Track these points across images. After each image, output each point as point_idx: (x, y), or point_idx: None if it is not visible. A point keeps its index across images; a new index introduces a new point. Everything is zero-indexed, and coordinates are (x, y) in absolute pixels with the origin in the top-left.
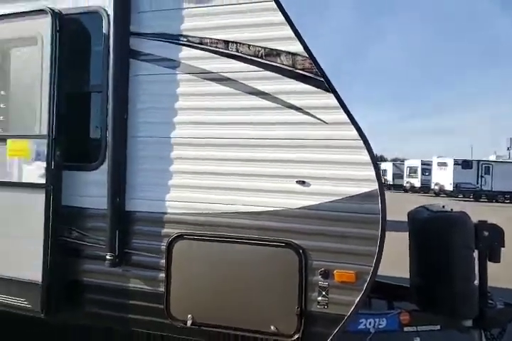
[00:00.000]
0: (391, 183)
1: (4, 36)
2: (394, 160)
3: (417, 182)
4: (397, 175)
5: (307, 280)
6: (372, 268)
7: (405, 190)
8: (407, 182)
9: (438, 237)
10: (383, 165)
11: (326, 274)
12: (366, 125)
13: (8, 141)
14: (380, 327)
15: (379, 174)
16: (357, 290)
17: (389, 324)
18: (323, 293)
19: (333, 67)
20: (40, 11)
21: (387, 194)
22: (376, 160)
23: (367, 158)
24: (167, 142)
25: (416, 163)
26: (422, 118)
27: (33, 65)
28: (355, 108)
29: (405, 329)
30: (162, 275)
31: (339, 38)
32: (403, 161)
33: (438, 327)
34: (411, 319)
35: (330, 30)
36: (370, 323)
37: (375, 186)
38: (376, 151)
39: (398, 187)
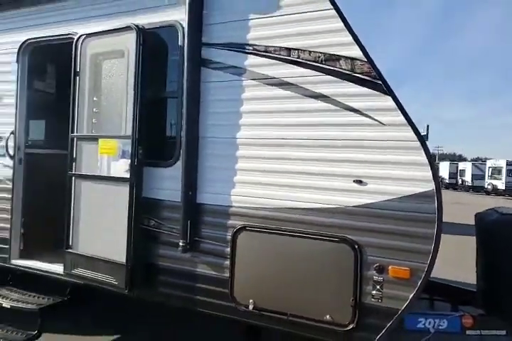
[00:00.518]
0: (470, 185)
1: (97, 50)
2: (474, 159)
3: (500, 184)
4: (478, 176)
5: (362, 274)
6: (427, 266)
7: (487, 193)
8: (489, 184)
9: (507, 240)
10: (461, 165)
11: (381, 269)
12: (443, 123)
13: (100, 140)
14: (440, 328)
15: (436, 174)
16: (411, 286)
17: (450, 326)
18: (378, 287)
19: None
20: (127, 28)
21: (464, 196)
22: (433, 161)
23: (423, 158)
24: (233, 142)
25: (501, 163)
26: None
27: (120, 74)
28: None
29: (468, 332)
30: (227, 262)
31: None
32: (485, 161)
33: (504, 332)
34: (474, 323)
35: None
36: (429, 323)
37: (432, 186)
38: (455, 150)
39: (478, 189)
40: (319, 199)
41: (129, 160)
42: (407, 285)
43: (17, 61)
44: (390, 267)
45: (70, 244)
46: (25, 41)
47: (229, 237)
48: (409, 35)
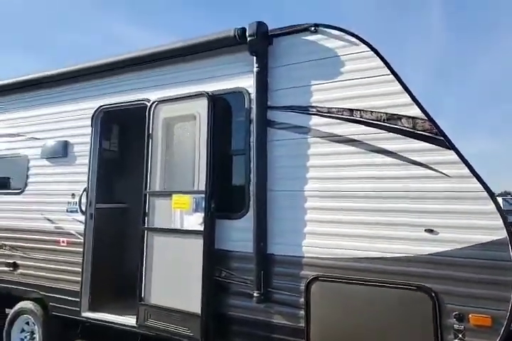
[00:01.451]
0: None
1: (169, 114)
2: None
3: None
4: (510, 211)
5: (442, 323)
6: (508, 313)
7: None
8: None
9: None
10: None
11: (461, 317)
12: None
13: (173, 195)
14: None
15: (506, 222)
16: (494, 334)
17: None
18: (460, 335)
19: None
20: (199, 95)
21: None
22: (501, 209)
23: (492, 207)
24: (300, 194)
25: None
26: None
27: (191, 135)
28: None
29: None
30: (302, 312)
31: None
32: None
33: None
34: None
35: None
36: None
37: (504, 234)
38: None
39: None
40: (393, 248)
41: (202, 214)
42: (490, 333)
43: (91, 125)
44: (470, 315)
45: (143, 295)
46: (99, 107)
47: (302, 287)
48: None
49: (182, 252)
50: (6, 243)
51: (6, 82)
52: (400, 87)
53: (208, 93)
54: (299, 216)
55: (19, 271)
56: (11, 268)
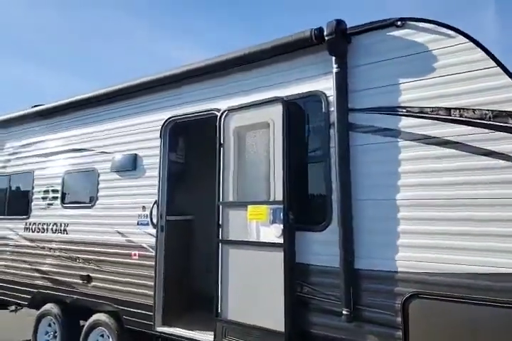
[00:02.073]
0: None
1: (241, 123)
2: None
3: None
4: None
5: None
6: None
7: None
8: None
9: None
10: None
11: None
12: None
13: (249, 206)
14: None
15: None
16: None
17: None
18: None
19: None
20: (273, 101)
21: None
22: None
23: None
24: (392, 204)
25: None
26: None
27: (265, 144)
28: None
29: None
30: (399, 333)
31: None
32: None
33: None
34: None
35: None
36: None
37: None
38: None
39: None
40: (501, 262)
41: (280, 225)
42: None
43: (160, 137)
44: None
45: (220, 311)
46: (168, 119)
47: (398, 305)
48: None
49: (260, 266)
50: (80, 256)
51: (77, 98)
52: (508, 80)
53: (282, 98)
54: (390, 227)
55: (92, 283)
56: (85, 281)
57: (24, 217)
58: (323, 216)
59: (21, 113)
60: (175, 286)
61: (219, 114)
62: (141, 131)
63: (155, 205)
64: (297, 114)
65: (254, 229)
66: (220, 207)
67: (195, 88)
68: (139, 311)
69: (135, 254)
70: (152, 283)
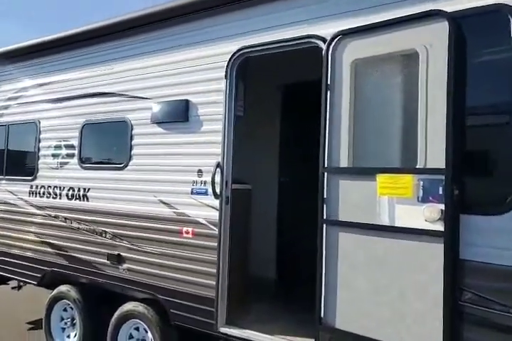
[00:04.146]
0: None
1: (364, 54)
2: None
3: None
4: None
5: None
6: None
7: None
8: None
9: None
10: None
11: None
12: None
13: (379, 176)
14: None
15: None
16: None
17: None
18: None
19: None
20: (427, 17)
21: None
22: None
23: None
24: None
25: None
26: None
27: (408, 83)
28: None
29: None
30: None
31: None
32: None
33: None
34: None
35: None
36: None
37: None
38: None
39: None
40: None
41: (437, 205)
42: None
43: (226, 77)
44: None
45: (323, 316)
46: (238, 51)
47: None
48: None
49: (397, 261)
50: (107, 230)
51: (103, 23)
52: None
53: (446, 13)
54: None
55: (125, 265)
56: (114, 261)
57: (29, 178)
58: (506, 193)
59: (25, 43)
60: (238, 274)
61: (327, 41)
62: (197, 69)
63: (218, 169)
64: (469, 37)
65: (388, 209)
66: (326, 175)
67: (282, 7)
68: (193, 305)
69: (188, 232)
70: (212, 270)
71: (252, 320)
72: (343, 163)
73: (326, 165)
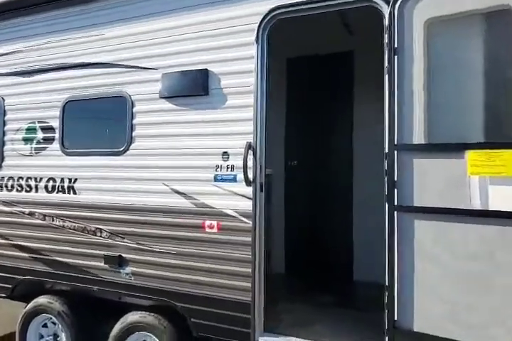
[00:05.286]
0: None
1: (442, 11)
2: None
3: None
4: None
5: None
6: None
7: None
8: None
9: None
10: None
11: None
12: None
13: (468, 152)
14: None
15: None
16: None
17: None
18: None
19: None
20: None
21: None
22: None
23: None
24: None
25: None
26: None
27: (499, 45)
28: None
29: None
30: None
31: None
32: None
33: None
34: None
35: None
36: None
37: None
38: None
39: None
40: None
41: None
42: None
43: (256, 41)
44: None
45: (396, 317)
46: (271, 11)
47: None
48: None
49: (495, 253)
50: (103, 227)
51: None
52: None
53: None
54: None
55: (129, 268)
56: (115, 265)
57: None
58: None
59: None
60: (268, 271)
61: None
62: (219, 33)
63: (250, 151)
64: None
65: (479, 190)
66: (396, 153)
67: None
68: (222, 312)
69: (212, 226)
70: (246, 269)
71: (289, 324)
72: (418, 138)
73: (395, 142)
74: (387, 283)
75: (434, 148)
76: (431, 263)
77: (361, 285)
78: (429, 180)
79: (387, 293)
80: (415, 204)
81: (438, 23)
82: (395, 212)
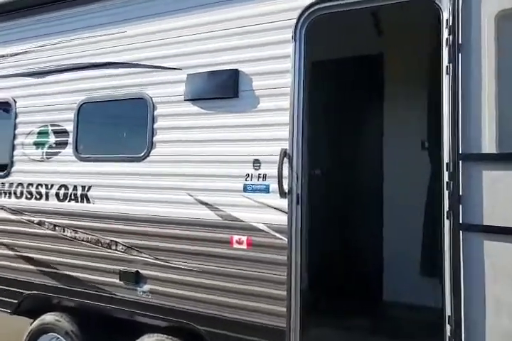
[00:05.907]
0: None
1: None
2: None
3: None
4: None
5: None
6: None
7: None
8: None
9: None
10: None
11: None
12: None
13: None
14: None
15: None
16: None
17: None
18: None
19: None
20: None
21: None
22: None
23: None
24: None
25: None
26: None
27: None
28: None
29: None
30: None
31: None
32: None
33: None
34: None
35: None
36: None
37: None
38: None
39: None
40: None
41: None
42: None
43: (294, 39)
44: None
45: (464, 338)
46: (309, 7)
47: None
48: None
49: None
50: (119, 240)
51: None
52: None
53: None
54: None
55: (146, 286)
56: (131, 282)
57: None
58: None
59: None
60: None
61: None
62: (251, 30)
63: (285, 159)
64: None
65: None
66: (461, 164)
67: None
68: (251, 338)
69: (240, 241)
70: (280, 292)
71: None
72: (489, 147)
73: (460, 151)
74: (449, 313)
75: (508, 157)
76: (508, 288)
77: (391, 306)
78: (502, 195)
79: (450, 326)
80: (485, 223)
81: (510, 16)
82: (460, 232)
